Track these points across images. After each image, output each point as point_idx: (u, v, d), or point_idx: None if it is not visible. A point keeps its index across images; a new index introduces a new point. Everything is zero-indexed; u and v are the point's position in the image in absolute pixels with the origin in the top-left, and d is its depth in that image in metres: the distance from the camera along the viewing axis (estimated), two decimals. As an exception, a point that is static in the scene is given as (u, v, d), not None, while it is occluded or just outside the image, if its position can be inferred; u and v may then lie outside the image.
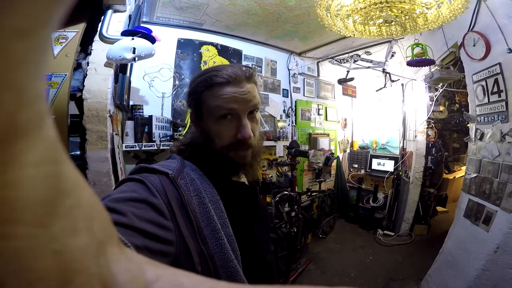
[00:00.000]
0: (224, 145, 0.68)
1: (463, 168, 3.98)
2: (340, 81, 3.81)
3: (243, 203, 0.73)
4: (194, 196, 0.60)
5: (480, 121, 2.06)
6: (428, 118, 3.68)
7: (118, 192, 0.53)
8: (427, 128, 3.77)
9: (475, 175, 2.07)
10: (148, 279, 0.22)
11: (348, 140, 4.94)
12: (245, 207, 0.73)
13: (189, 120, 3.11)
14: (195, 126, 0.74)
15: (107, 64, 1.79)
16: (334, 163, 4.34)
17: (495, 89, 1.86)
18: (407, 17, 1.46)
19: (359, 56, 3.39)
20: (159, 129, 2.50)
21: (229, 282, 0.27)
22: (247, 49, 3.45)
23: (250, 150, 0.70)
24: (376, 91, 4.08)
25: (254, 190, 0.83)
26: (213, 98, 0.66)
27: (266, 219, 0.85)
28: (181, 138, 2.65)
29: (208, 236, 0.57)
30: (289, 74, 3.96)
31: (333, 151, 4.48)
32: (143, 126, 2.41)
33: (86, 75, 1.75)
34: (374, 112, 4.70)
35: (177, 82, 2.91)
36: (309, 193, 3.69)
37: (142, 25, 2.09)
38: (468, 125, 2.42)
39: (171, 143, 2.50)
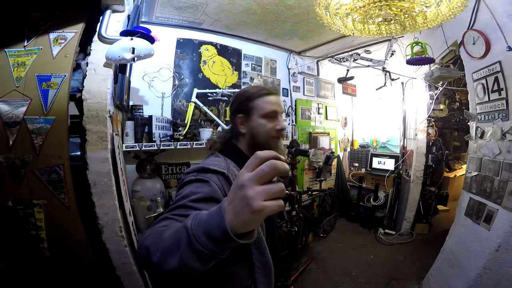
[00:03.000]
0: (270, 136, 0.95)
1: (464, 166, 3.98)
2: (340, 80, 3.80)
3: None
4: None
5: (481, 119, 2.06)
6: (429, 116, 3.67)
7: (193, 192, 0.74)
8: (427, 126, 3.77)
9: (476, 173, 2.06)
10: None
11: (348, 139, 4.94)
12: None
13: (189, 120, 3.09)
14: (241, 126, 0.98)
15: (107, 65, 1.79)
16: (334, 162, 4.34)
17: (495, 87, 1.86)
18: (406, 15, 1.45)
19: (359, 54, 3.38)
20: (159, 129, 2.50)
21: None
22: (246, 48, 3.45)
23: (281, 139, 1.00)
24: (376, 89, 4.08)
25: None
26: (262, 103, 0.97)
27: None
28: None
29: None
30: (289, 73, 3.95)
31: (334, 150, 4.48)
32: (143, 126, 2.41)
33: (86, 75, 1.75)
34: (374, 110, 4.69)
35: (176, 82, 2.91)
36: (309, 192, 3.68)
37: (141, 25, 2.08)
38: (469, 123, 2.42)
39: (171, 143, 2.50)
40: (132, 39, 1.79)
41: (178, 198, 0.74)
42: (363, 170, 4.54)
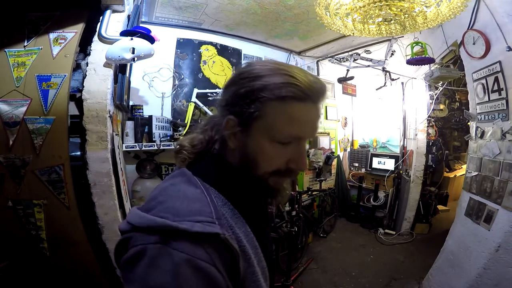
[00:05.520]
0: (268, 171, 0.56)
1: (464, 166, 3.97)
2: (340, 80, 3.80)
3: (263, 223, 0.67)
4: (235, 244, 0.50)
5: (481, 119, 2.06)
6: (429, 116, 3.67)
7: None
8: (427, 126, 3.77)
9: (476, 173, 2.06)
10: None
11: (348, 139, 4.94)
12: (264, 225, 0.68)
13: (189, 120, 3.06)
14: (231, 136, 0.56)
15: (107, 65, 1.79)
16: (334, 162, 4.34)
17: (495, 87, 1.85)
18: (406, 15, 1.45)
19: (359, 54, 3.38)
20: (159, 129, 2.50)
21: None
22: (246, 48, 3.45)
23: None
24: (376, 89, 4.08)
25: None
26: (283, 117, 0.51)
27: (270, 220, 0.82)
28: (182, 138, 2.64)
29: (248, 276, 0.52)
30: (289, 73, 3.94)
31: (334, 150, 4.48)
32: (143, 126, 2.41)
33: (86, 75, 1.76)
34: (374, 110, 4.69)
35: (176, 82, 2.91)
36: (309, 192, 3.68)
37: (141, 25, 2.09)
38: (469, 123, 2.42)
39: (171, 143, 2.50)
40: (132, 39, 1.79)
41: None
42: (363, 170, 4.54)
